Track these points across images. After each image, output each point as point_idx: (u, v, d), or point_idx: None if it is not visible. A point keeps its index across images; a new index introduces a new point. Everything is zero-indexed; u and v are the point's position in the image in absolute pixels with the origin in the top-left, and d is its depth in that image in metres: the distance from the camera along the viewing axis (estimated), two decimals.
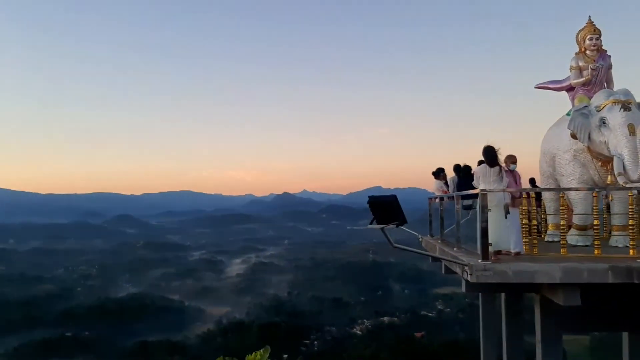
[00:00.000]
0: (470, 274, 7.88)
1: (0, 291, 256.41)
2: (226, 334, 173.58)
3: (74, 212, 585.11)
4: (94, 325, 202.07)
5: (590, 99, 13.78)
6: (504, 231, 9.63)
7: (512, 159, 10.53)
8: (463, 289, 9.23)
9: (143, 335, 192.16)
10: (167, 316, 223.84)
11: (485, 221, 8.52)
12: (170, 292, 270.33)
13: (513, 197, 9.81)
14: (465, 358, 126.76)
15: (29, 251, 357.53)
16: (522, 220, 11.55)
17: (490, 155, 10.23)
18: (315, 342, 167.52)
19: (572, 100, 14.98)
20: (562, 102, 15.56)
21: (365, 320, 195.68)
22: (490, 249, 8.54)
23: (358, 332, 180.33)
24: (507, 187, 9.88)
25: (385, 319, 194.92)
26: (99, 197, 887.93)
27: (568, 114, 14.55)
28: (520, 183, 10.59)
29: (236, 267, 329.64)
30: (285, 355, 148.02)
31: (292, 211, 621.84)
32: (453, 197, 12.39)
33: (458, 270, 8.96)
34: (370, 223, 7.14)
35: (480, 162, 11.55)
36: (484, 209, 8.81)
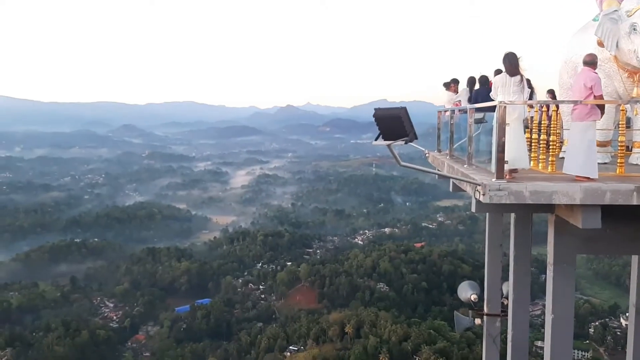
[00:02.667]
0: (483, 194, 7.20)
1: (9, 198, 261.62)
2: (232, 242, 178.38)
3: (78, 121, 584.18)
4: (102, 232, 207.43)
5: (620, 3, 12.51)
6: (522, 148, 8.83)
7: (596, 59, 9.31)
8: (473, 209, 8.60)
9: (151, 241, 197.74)
10: (174, 224, 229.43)
11: (503, 136, 7.74)
12: (177, 201, 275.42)
13: (591, 108, 8.61)
14: (463, 267, 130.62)
15: (34, 159, 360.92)
16: (538, 136, 10.77)
17: (511, 62, 9.19)
18: (318, 251, 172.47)
19: (600, 4, 13.69)
20: (588, 6, 14.27)
21: (366, 231, 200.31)
22: (506, 166, 7.80)
23: (359, 242, 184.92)
24: (586, 95, 8.72)
25: (387, 230, 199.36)
26: (103, 106, 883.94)
27: (595, 20, 13.31)
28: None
29: (241, 178, 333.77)
30: (289, 263, 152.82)
31: (296, 124, 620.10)
32: (464, 110, 11.52)
33: (469, 189, 8.28)
34: (376, 139, 6.37)
35: (497, 72, 10.60)
36: (503, 122, 7.99)
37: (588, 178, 8.06)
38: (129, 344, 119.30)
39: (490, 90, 10.59)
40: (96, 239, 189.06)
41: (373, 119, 6.68)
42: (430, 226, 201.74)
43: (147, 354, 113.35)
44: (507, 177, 8.03)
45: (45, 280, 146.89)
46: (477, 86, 13.64)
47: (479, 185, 7.52)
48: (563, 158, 11.58)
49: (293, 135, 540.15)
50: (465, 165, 10.07)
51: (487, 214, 13.22)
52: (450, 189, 11.42)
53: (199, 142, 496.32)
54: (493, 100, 9.42)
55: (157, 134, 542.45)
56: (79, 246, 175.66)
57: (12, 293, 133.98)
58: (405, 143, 6.60)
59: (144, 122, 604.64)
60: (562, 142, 12.80)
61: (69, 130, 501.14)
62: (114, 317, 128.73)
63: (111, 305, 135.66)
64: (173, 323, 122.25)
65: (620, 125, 9.87)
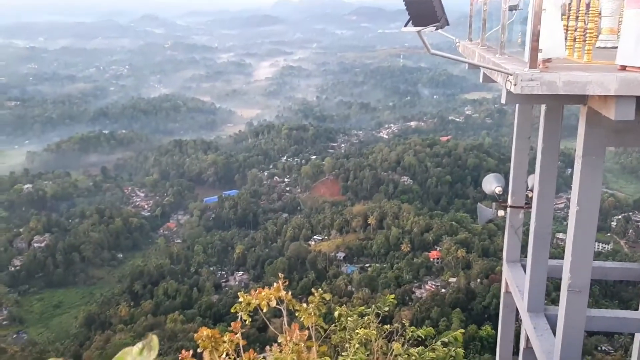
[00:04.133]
0: (514, 84, 6.95)
1: (36, 89, 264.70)
2: (257, 135, 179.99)
3: (98, 11, 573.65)
4: (129, 123, 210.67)
5: None
6: (559, 36, 8.42)
7: None
8: (503, 100, 8.37)
9: (177, 134, 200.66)
10: (198, 117, 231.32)
11: (538, 24, 7.35)
12: (201, 93, 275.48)
13: None
14: (488, 161, 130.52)
15: (58, 50, 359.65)
16: (575, 23, 10.22)
17: None
18: (343, 145, 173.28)
19: None
20: None
21: (392, 125, 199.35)
22: (540, 55, 7.48)
23: (384, 136, 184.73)
24: None
25: (412, 123, 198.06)
26: None
27: None
28: None
29: (265, 70, 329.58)
30: (313, 157, 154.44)
31: (321, 13, 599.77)
32: None
33: (500, 79, 8.02)
34: (405, 25, 6.09)
35: None
36: (539, 9, 7.57)
37: None
38: (161, 231, 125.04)
39: None
40: (124, 130, 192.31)
41: (401, 7, 6.36)
42: (457, 119, 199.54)
43: (179, 240, 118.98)
44: (541, 66, 7.74)
45: (77, 170, 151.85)
46: None
47: (511, 75, 7.28)
48: (599, 47, 11.12)
49: (318, 25, 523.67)
50: (497, 55, 9.72)
51: (517, 105, 12.95)
52: (481, 80, 11.09)
53: (221, 33, 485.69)
54: None
55: (178, 24, 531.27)
56: (107, 137, 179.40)
57: (46, 182, 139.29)
58: (437, 29, 6.31)
59: (164, 11, 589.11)
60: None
61: (90, 20, 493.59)
62: (145, 206, 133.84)
63: (142, 194, 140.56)
64: (202, 212, 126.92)
65: None
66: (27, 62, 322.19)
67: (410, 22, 6.63)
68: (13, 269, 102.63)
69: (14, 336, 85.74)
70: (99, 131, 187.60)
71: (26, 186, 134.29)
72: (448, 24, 6.60)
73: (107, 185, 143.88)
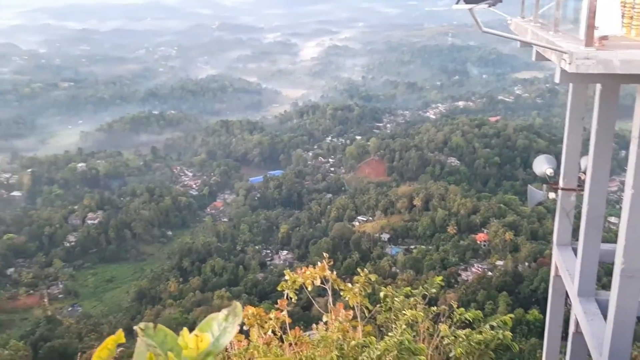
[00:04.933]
0: (569, 63, 6.69)
1: (89, 70, 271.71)
2: (302, 116, 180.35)
3: None
4: (178, 104, 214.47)
5: None
6: (615, 12, 8.06)
7: None
8: (557, 79, 8.09)
9: (224, 114, 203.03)
10: (245, 97, 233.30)
11: (595, 0, 7.04)
12: (247, 74, 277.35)
13: None
14: (539, 142, 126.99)
15: (109, 32, 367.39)
16: (631, 0, 9.75)
17: None
18: (388, 125, 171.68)
19: None
20: None
21: (439, 105, 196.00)
22: (596, 33, 7.18)
23: (431, 116, 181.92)
24: None
25: (461, 103, 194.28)
26: None
27: None
28: None
29: (310, 50, 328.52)
30: (358, 137, 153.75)
31: None
32: None
33: (554, 58, 7.72)
34: (457, 2, 5.95)
35: None
36: None
37: None
38: (208, 210, 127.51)
39: None
40: (173, 111, 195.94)
41: None
42: (507, 99, 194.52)
43: (225, 219, 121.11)
44: (597, 44, 7.43)
45: (128, 150, 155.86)
46: None
47: (566, 53, 7.02)
48: None
49: (364, 3, 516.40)
50: (551, 32, 9.39)
51: (570, 85, 12.52)
52: (533, 58, 10.76)
53: (268, 12, 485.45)
54: None
55: (225, 4, 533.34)
56: (157, 118, 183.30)
57: (99, 161, 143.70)
58: (489, 6, 6.17)
59: None
60: None
61: (139, 1, 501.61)
62: (193, 185, 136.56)
63: (190, 174, 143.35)
64: (247, 192, 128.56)
65: None
66: (80, 43, 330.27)
67: None
68: (68, 244, 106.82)
69: (69, 309, 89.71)
70: (149, 112, 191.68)
71: (80, 165, 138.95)
72: (500, 1, 6.44)
73: (157, 165, 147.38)
